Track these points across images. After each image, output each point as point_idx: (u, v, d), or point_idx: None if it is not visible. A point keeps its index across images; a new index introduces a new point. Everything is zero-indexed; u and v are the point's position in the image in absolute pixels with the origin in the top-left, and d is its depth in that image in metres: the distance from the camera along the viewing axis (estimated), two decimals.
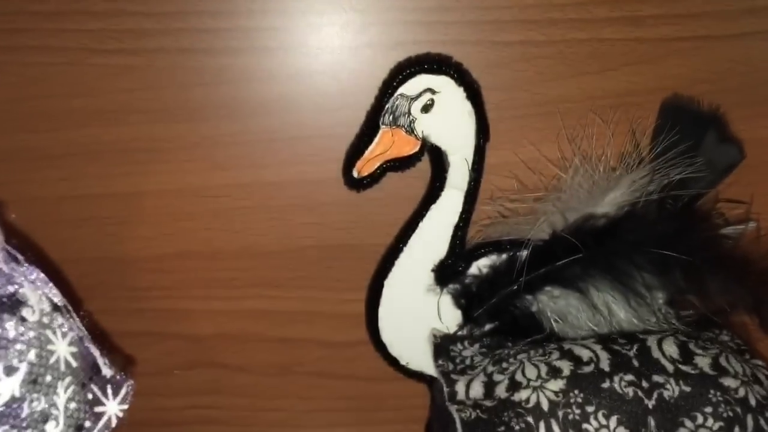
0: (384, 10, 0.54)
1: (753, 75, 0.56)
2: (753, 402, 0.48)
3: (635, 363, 0.49)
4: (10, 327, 0.36)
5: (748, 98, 0.57)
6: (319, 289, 0.59)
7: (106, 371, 0.41)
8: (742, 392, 0.48)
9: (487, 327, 0.56)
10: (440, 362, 0.54)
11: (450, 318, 0.57)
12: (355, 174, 0.54)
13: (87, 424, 0.39)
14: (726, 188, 0.57)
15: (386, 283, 0.57)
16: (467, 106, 0.54)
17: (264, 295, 0.59)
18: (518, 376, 0.50)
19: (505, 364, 0.51)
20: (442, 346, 0.55)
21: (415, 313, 0.57)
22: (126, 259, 0.58)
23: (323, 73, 0.55)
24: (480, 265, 0.56)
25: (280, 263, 0.59)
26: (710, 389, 0.48)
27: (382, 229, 0.56)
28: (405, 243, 0.56)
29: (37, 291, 0.38)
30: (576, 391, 0.48)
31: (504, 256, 0.56)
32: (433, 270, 0.56)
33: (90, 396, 0.40)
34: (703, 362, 0.49)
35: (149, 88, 0.55)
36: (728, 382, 0.48)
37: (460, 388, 0.51)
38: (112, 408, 0.41)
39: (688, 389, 0.48)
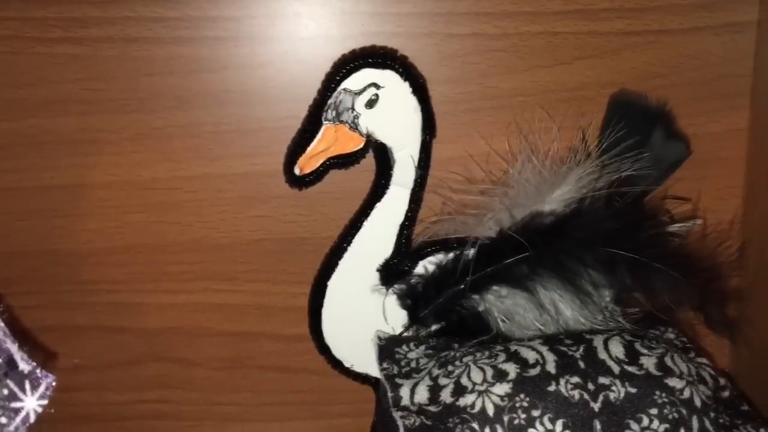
0: (336, 0, 0.54)
1: (704, 70, 0.57)
2: (698, 403, 0.47)
3: (581, 364, 0.49)
4: None
5: (699, 93, 0.57)
6: (271, 283, 0.59)
7: (24, 366, 0.40)
8: (687, 393, 0.48)
9: (434, 328, 0.55)
10: (384, 365, 0.53)
11: (396, 319, 0.56)
12: (297, 171, 0.53)
13: (2, 419, 0.39)
14: (675, 183, 0.58)
15: (330, 283, 0.55)
16: (413, 102, 0.53)
17: (215, 288, 0.59)
18: (464, 380, 0.49)
19: (450, 367, 0.50)
20: (386, 348, 0.54)
21: (360, 314, 0.56)
22: (73, 252, 0.57)
23: (274, 64, 0.55)
24: (426, 264, 0.55)
25: (232, 256, 0.58)
26: (656, 390, 0.48)
27: (335, 221, 0.56)
28: (349, 242, 0.55)
29: None
30: (522, 395, 0.47)
31: (451, 254, 0.55)
32: (378, 269, 0.55)
33: (6, 391, 0.39)
34: (649, 362, 0.49)
35: (95, 78, 0.54)
36: (673, 382, 0.48)
37: (404, 392, 0.50)
38: (31, 403, 0.41)
39: (633, 391, 0.47)
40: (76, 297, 0.58)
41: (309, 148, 0.53)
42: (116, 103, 0.54)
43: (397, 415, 0.48)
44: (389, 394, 0.50)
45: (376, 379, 0.56)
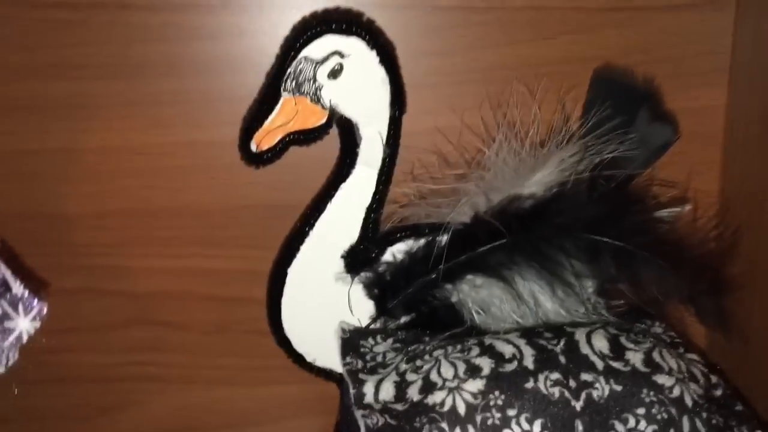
0: None
1: (685, 46, 0.58)
2: (689, 402, 0.44)
3: (562, 360, 0.45)
4: None
5: (679, 69, 0.58)
6: (259, 249, 0.58)
7: (18, 290, 0.41)
8: (677, 391, 0.44)
9: (404, 320, 0.52)
10: (348, 359, 0.49)
11: (362, 310, 0.52)
12: (253, 147, 0.49)
13: None
14: (661, 166, 0.57)
15: (290, 270, 0.52)
16: (380, 72, 0.49)
17: (204, 253, 0.59)
18: (433, 376, 0.45)
19: (419, 362, 0.46)
20: (351, 341, 0.51)
21: (323, 304, 0.52)
22: (65, 215, 0.58)
23: (265, 33, 0.55)
24: (395, 251, 0.51)
25: (221, 222, 0.59)
26: (643, 388, 0.44)
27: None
28: (311, 226, 0.51)
29: None
30: (497, 393, 0.43)
31: (422, 241, 0.51)
32: (343, 256, 0.52)
33: None
34: (636, 358, 0.46)
35: (89, 43, 0.54)
36: (662, 379, 0.45)
37: (368, 389, 0.46)
38: (23, 324, 0.42)
39: (619, 388, 0.44)
40: (66, 260, 0.59)
41: (266, 122, 0.49)
42: (108, 69, 0.55)
43: (358, 414, 0.45)
44: (351, 391, 0.47)
45: (341, 376, 0.52)
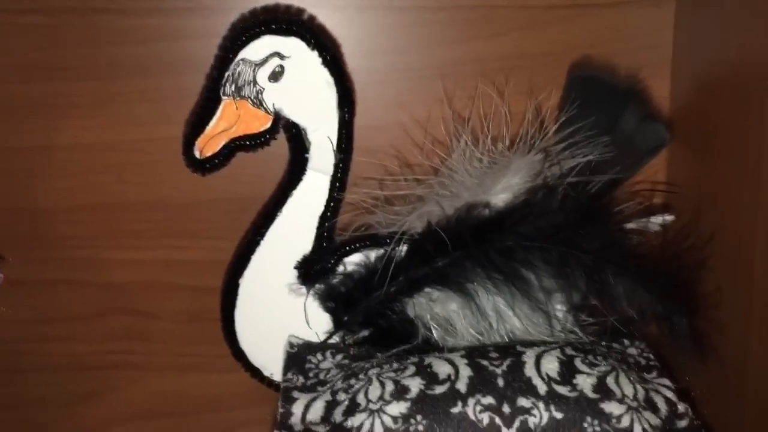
0: None
1: (627, 41, 0.60)
2: None
3: (500, 383, 0.42)
4: None
5: (623, 63, 0.60)
6: (228, 240, 0.60)
7: None
8: (626, 421, 0.41)
9: (362, 334, 0.49)
10: (288, 375, 0.47)
11: (320, 323, 0.50)
12: (196, 153, 0.47)
13: None
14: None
15: (242, 281, 0.50)
16: (324, 74, 0.47)
17: (175, 245, 0.61)
18: (359, 397, 0.42)
19: (353, 381, 0.44)
20: (297, 356, 0.48)
21: (278, 316, 0.50)
22: (40, 210, 0.59)
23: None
24: (351, 262, 0.49)
25: (191, 215, 0.60)
26: (587, 416, 0.41)
27: None
28: (262, 235, 0.49)
29: None
30: (419, 417, 0.40)
31: (379, 251, 0.48)
32: (296, 267, 0.49)
33: None
34: (586, 383, 0.42)
35: (61, 46, 0.56)
36: (611, 407, 0.41)
37: (296, 408, 0.44)
38: None
39: (559, 416, 0.41)
40: (43, 253, 0.60)
41: (208, 128, 0.47)
42: (81, 70, 0.57)
43: None
44: (279, 410, 0.44)
45: None
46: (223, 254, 0.61)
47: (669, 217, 0.52)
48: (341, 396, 0.43)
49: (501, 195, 0.48)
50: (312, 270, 0.49)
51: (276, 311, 0.50)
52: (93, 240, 0.60)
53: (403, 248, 0.47)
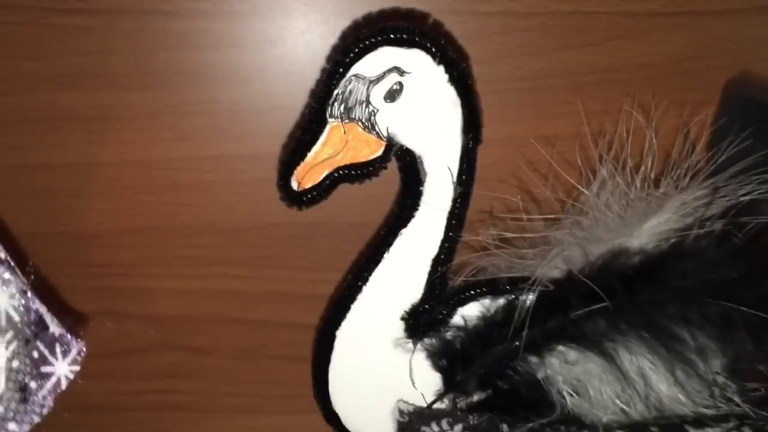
0: None
1: (740, 53, 0.55)
2: None
3: None
4: None
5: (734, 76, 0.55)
6: (288, 269, 0.57)
7: (54, 328, 0.38)
8: None
9: (477, 398, 0.44)
10: None
11: (427, 383, 0.45)
12: (294, 185, 0.42)
13: (32, 384, 0.37)
14: None
15: (339, 333, 0.45)
16: (450, 93, 0.41)
17: (229, 274, 0.58)
18: None
19: None
20: (409, 426, 0.44)
21: (379, 375, 0.45)
22: (82, 234, 0.56)
23: (296, 40, 0.53)
24: (467, 313, 0.44)
25: (247, 241, 0.57)
26: None
27: (357, 206, 0.54)
28: (364, 280, 0.44)
29: None
30: None
31: (500, 300, 0.43)
32: (403, 318, 0.44)
33: (36, 354, 0.37)
34: None
35: (109, 51, 0.52)
36: None
37: None
38: (62, 369, 0.38)
39: None
40: (83, 281, 0.57)
41: (309, 155, 0.41)
42: (129, 79, 0.53)
43: None
44: None
45: None
46: (280, 284, 0.58)
47: None
48: None
49: (646, 239, 0.43)
50: (421, 322, 0.44)
51: (378, 369, 0.45)
52: (139, 267, 0.57)
53: (528, 297, 0.42)
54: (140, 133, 0.54)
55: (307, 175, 0.41)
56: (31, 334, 0.37)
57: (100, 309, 0.57)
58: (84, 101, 0.53)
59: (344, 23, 0.52)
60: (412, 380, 0.45)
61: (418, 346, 0.44)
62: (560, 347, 0.42)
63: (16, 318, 0.36)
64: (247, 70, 0.53)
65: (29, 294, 0.37)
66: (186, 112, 0.54)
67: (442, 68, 0.41)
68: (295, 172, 0.41)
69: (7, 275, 0.36)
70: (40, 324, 0.37)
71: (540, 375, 0.42)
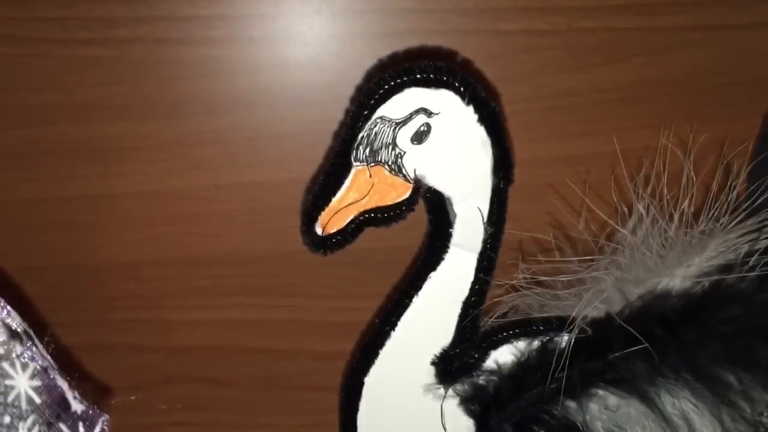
0: None
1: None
2: None
3: None
4: None
5: (763, 93, 0.54)
6: (308, 297, 0.56)
7: (77, 406, 0.36)
8: None
9: None
10: None
11: (459, 430, 0.43)
12: (318, 230, 0.40)
13: None
14: None
15: (367, 380, 0.43)
16: (479, 133, 0.40)
17: (248, 303, 0.56)
18: None
19: None
20: None
21: (410, 423, 0.43)
22: (98, 266, 0.55)
23: (311, 65, 0.52)
24: (500, 357, 0.43)
25: (266, 269, 0.56)
26: None
27: (377, 232, 0.52)
28: (393, 325, 0.42)
29: None
30: None
31: (535, 343, 0.42)
32: (433, 363, 0.43)
33: None
34: None
35: (122, 81, 0.51)
36: None
37: None
38: None
39: None
40: (100, 314, 0.56)
41: (334, 199, 0.40)
42: (144, 109, 0.52)
43: None
44: None
45: None
46: (300, 313, 0.57)
47: None
48: None
49: (690, 278, 0.41)
50: (452, 366, 0.43)
51: (408, 416, 0.44)
52: (156, 299, 0.56)
53: (564, 339, 0.41)
54: (156, 163, 0.53)
55: (332, 219, 0.40)
56: (53, 416, 0.35)
57: (118, 342, 0.56)
58: (98, 133, 0.52)
59: (360, 46, 0.51)
60: (444, 427, 0.43)
61: (450, 391, 0.43)
62: (599, 391, 0.41)
63: (38, 400, 0.35)
64: (261, 96, 0.52)
65: (50, 372, 0.35)
66: (201, 140, 0.53)
67: (471, 108, 0.39)
68: (319, 217, 0.40)
69: (27, 355, 0.34)
70: (63, 403, 0.36)
71: (578, 419, 0.41)
